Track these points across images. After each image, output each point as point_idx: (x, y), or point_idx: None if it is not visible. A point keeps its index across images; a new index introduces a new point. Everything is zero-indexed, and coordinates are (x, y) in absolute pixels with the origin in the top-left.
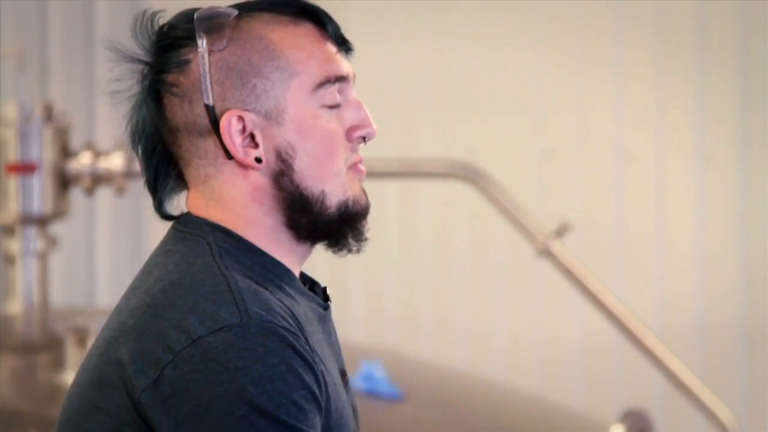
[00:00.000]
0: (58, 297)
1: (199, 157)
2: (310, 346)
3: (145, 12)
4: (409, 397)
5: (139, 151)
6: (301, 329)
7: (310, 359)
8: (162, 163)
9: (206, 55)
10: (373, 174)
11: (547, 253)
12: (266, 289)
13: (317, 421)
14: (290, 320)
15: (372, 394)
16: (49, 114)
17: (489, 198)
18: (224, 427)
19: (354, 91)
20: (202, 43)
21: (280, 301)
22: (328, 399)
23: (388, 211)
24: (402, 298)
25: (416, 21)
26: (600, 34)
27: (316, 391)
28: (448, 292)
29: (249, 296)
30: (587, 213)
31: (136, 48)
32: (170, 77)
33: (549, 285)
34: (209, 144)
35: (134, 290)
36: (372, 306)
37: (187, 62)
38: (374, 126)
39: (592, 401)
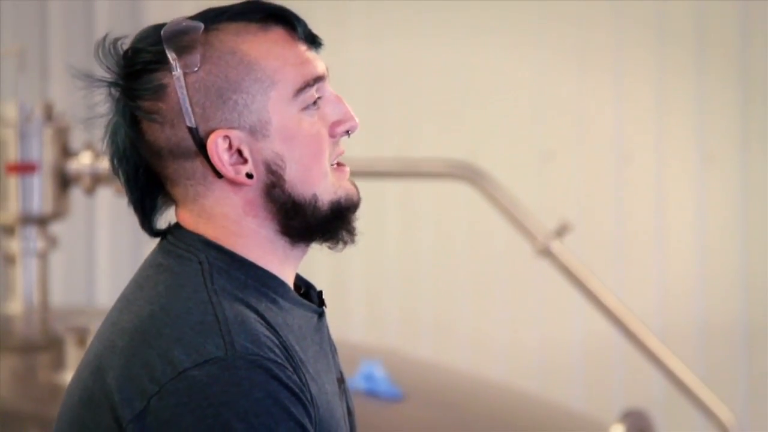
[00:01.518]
0: (58, 297)
1: (187, 178)
2: (300, 373)
3: (105, 37)
4: (409, 397)
5: (122, 176)
6: (290, 356)
7: (298, 391)
8: (147, 184)
9: (182, 78)
10: (373, 174)
11: (547, 253)
12: (258, 306)
13: None
14: (277, 350)
15: (372, 394)
16: (49, 114)
17: (489, 198)
18: None
19: (330, 86)
20: (176, 66)
21: (270, 324)
22: (320, 420)
23: (388, 211)
24: (402, 298)
25: (415, 20)
26: (600, 34)
27: (305, 422)
28: (448, 292)
29: (236, 327)
30: (587, 213)
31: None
32: (147, 104)
33: (549, 285)
34: (197, 165)
35: (126, 304)
36: (372, 306)
37: (163, 87)
38: (356, 119)
39: (592, 401)
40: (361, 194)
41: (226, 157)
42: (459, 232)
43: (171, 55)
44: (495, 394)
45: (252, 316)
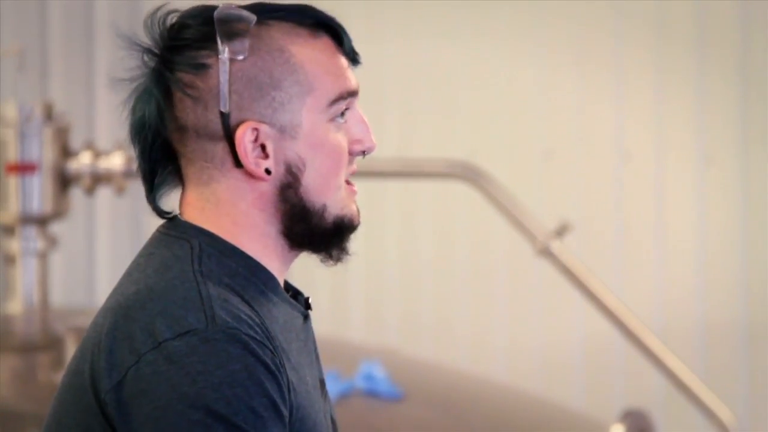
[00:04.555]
0: (58, 297)
1: (206, 160)
2: (278, 356)
3: (160, 8)
4: (409, 397)
5: (139, 143)
6: (270, 338)
7: (274, 369)
8: (162, 157)
9: (228, 63)
10: (373, 174)
11: (547, 253)
12: (245, 294)
13: (278, 431)
14: (257, 329)
15: (372, 394)
16: (49, 114)
17: (489, 198)
18: (181, 429)
19: (359, 106)
20: (224, 50)
21: (253, 309)
22: (299, 407)
23: (388, 211)
24: (402, 298)
25: (416, 21)
26: (600, 34)
27: (278, 402)
28: (448, 292)
29: (218, 303)
30: (587, 213)
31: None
32: (186, 78)
33: (549, 285)
34: (218, 149)
35: (114, 291)
36: (372, 306)
37: (205, 66)
38: (375, 142)
39: (592, 401)
40: (360, 196)
41: (250, 148)
42: (459, 232)
43: (221, 38)
44: (495, 394)
45: (236, 299)
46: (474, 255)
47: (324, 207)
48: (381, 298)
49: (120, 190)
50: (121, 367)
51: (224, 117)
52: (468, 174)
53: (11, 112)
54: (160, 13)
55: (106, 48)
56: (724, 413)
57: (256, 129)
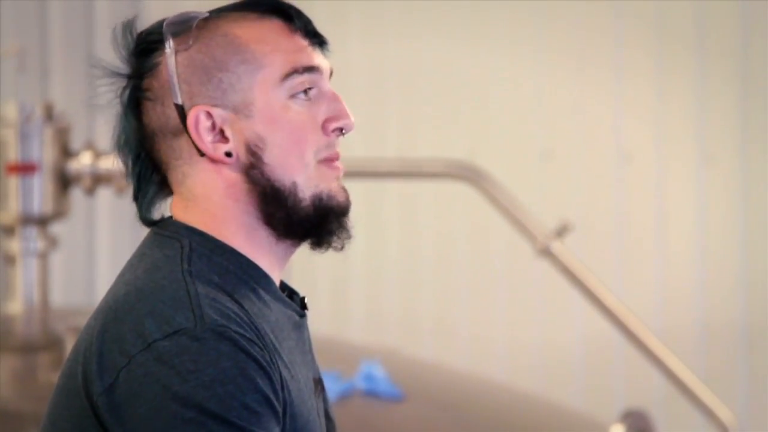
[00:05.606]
0: (58, 297)
1: (176, 158)
2: (268, 353)
3: (120, 23)
4: (409, 397)
5: (124, 161)
6: (260, 336)
7: (265, 365)
8: (145, 170)
9: (173, 55)
10: (373, 174)
11: (547, 253)
12: (235, 292)
13: (273, 426)
14: (246, 327)
15: (372, 394)
16: (49, 114)
17: (489, 198)
18: (175, 429)
19: (329, 84)
20: (169, 44)
21: (243, 307)
22: (291, 404)
23: (388, 211)
24: (402, 298)
25: (416, 20)
26: (600, 34)
27: (271, 397)
28: (448, 292)
29: (206, 302)
30: (587, 213)
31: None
32: (144, 82)
33: (549, 285)
34: (183, 143)
35: (107, 293)
36: (372, 306)
37: (156, 65)
38: (351, 118)
39: (592, 401)
40: (360, 196)
41: (207, 135)
42: (459, 232)
43: (167, 35)
44: (495, 394)
45: (225, 297)
46: (474, 255)
47: (294, 185)
48: (381, 298)
49: (120, 190)
50: (112, 369)
51: (179, 108)
52: (468, 174)
53: (11, 112)
54: (123, 27)
55: (106, 48)
56: (724, 413)
57: (209, 113)
